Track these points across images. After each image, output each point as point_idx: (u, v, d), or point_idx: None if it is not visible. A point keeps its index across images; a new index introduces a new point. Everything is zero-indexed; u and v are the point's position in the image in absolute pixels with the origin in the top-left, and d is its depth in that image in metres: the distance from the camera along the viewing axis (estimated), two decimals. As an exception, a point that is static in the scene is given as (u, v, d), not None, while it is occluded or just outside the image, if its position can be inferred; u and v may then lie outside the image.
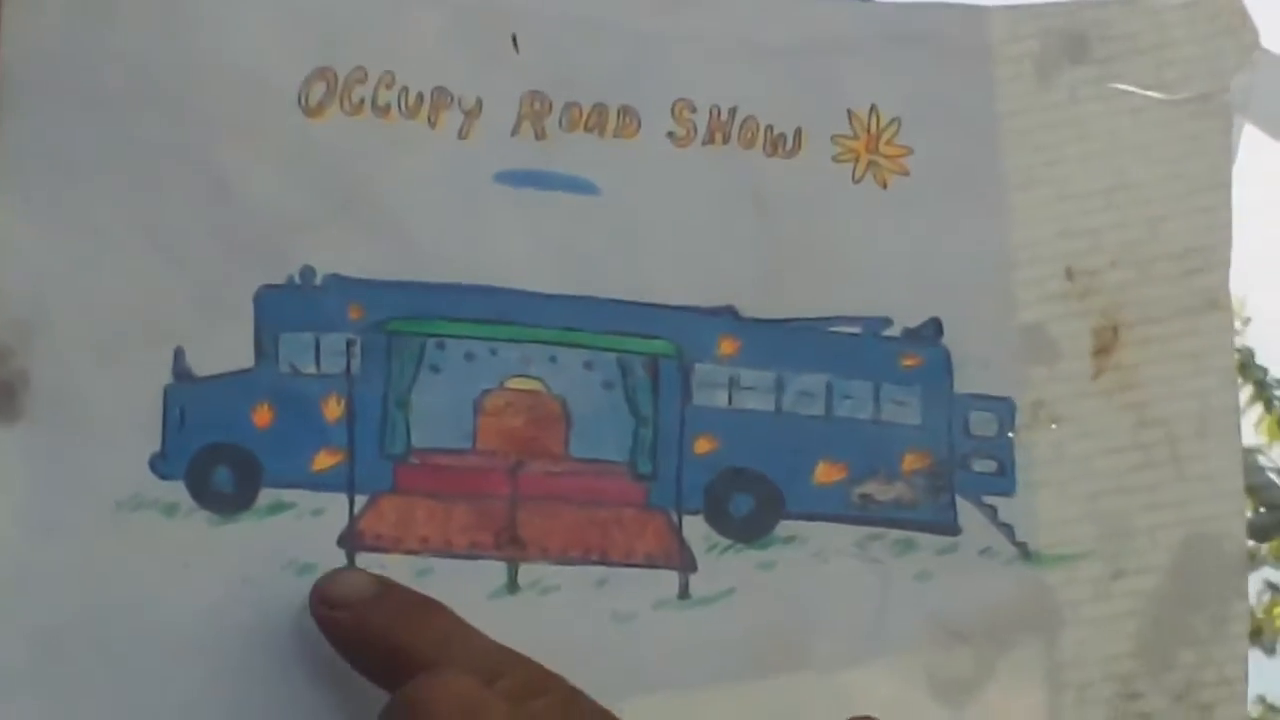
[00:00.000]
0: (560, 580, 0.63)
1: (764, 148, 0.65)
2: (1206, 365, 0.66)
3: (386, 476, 0.62)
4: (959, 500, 0.64)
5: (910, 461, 0.64)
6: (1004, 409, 0.65)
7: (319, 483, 0.62)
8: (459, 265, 0.63)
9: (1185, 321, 0.66)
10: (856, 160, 0.65)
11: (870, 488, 0.64)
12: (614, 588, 0.63)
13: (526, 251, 0.63)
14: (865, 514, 0.64)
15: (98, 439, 0.61)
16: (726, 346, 0.64)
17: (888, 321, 0.65)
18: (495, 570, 0.62)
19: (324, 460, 0.62)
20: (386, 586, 0.60)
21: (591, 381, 0.63)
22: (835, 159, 0.65)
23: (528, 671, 0.58)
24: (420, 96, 0.64)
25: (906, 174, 0.65)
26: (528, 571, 0.62)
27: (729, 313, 0.64)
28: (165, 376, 0.62)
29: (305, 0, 0.63)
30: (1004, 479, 0.65)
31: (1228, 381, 0.66)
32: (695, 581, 0.63)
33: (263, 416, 0.62)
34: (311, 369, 0.62)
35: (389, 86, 0.64)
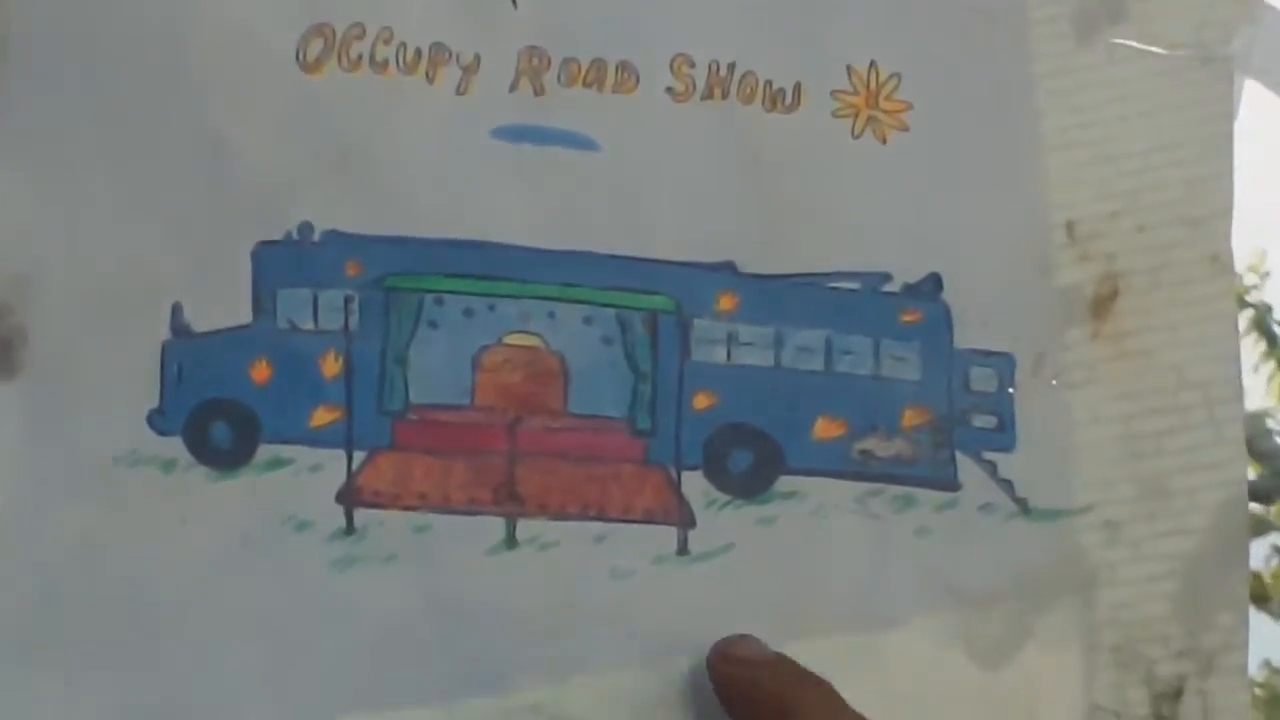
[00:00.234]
0: (559, 536, 0.62)
1: (763, 103, 0.65)
2: (1208, 322, 0.65)
3: (385, 433, 0.62)
4: (959, 456, 0.64)
5: (910, 417, 0.64)
6: (1004, 365, 0.65)
7: (317, 439, 0.62)
8: (457, 221, 0.63)
9: (1186, 278, 0.66)
10: (856, 116, 0.65)
11: (870, 443, 0.64)
12: (613, 544, 0.63)
13: (525, 207, 0.63)
14: (865, 470, 0.64)
15: (95, 395, 0.61)
16: (725, 302, 0.64)
17: (887, 277, 0.65)
18: (494, 526, 0.62)
19: (322, 416, 0.62)
20: (782, 657, 0.62)
21: (590, 337, 0.63)
22: (834, 114, 0.65)
23: None
24: (418, 52, 0.64)
25: (906, 130, 0.65)
26: (526, 527, 0.62)
27: (728, 268, 0.64)
28: (163, 332, 0.62)
29: (303, -44, 0.63)
30: (1004, 435, 0.64)
31: (1230, 338, 0.66)
32: (694, 537, 0.63)
33: (261, 372, 0.62)
34: (309, 325, 0.62)
35: (387, 42, 0.63)
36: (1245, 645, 0.65)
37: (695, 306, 0.64)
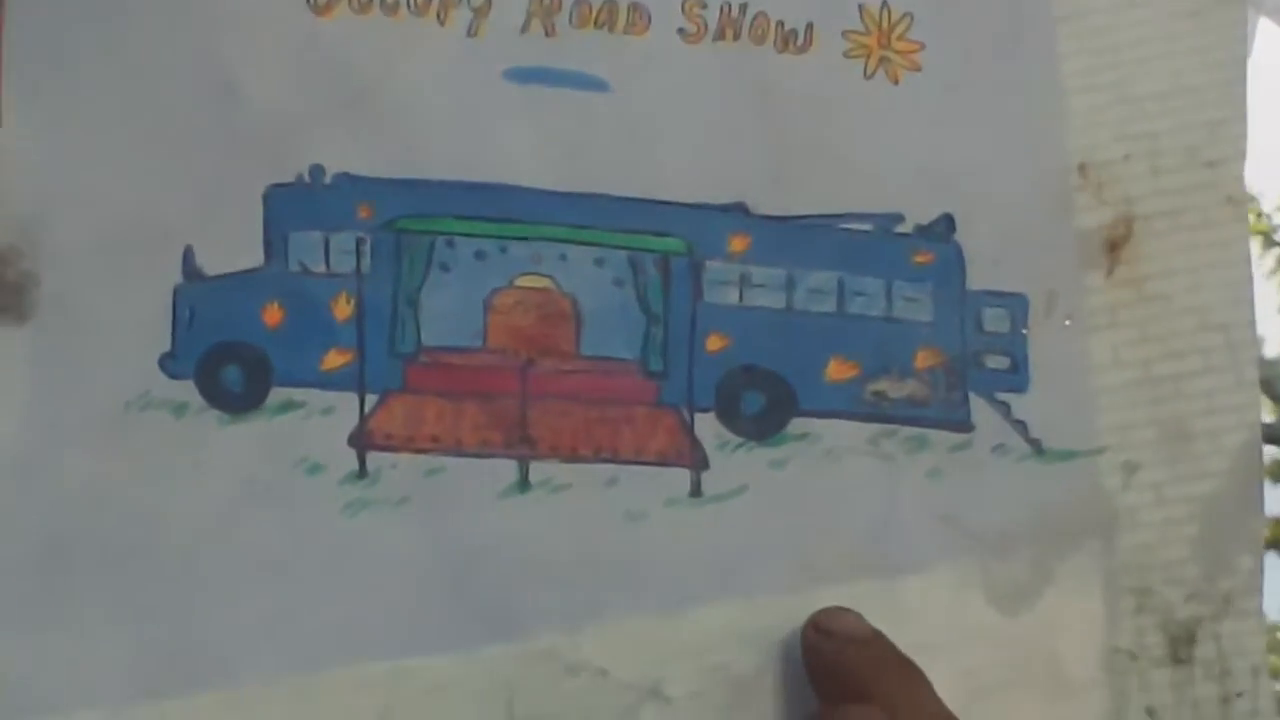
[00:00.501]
0: (571, 478, 0.62)
1: (775, 44, 0.64)
2: (1222, 260, 0.65)
3: (396, 375, 0.62)
4: (972, 397, 0.64)
5: (923, 358, 0.64)
6: (1017, 305, 0.64)
7: (329, 382, 0.62)
8: (469, 163, 0.63)
9: (1202, 220, 0.66)
10: (868, 56, 0.65)
11: (883, 385, 0.64)
12: (625, 486, 0.62)
13: (536, 149, 0.63)
14: (878, 411, 0.64)
15: (107, 339, 0.61)
16: (737, 244, 0.64)
17: (899, 218, 0.64)
18: (506, 469, 0.62)
19: (334, 359, 0.62)
20: (878, 636, 0.61)
21: (602, 279, 0.63)
22: (846, 55, 0.65)
23: None
24: (429, -7, 0.63)
25: (918, 70, 0.65)
26: (538, 470, 0.62)
27: (740, 210, 0.64)
28: (175, 276, 0.62)
29: (313, -103, 0.63)
30: (1017, 375, 0.64)
31: (1245, 281, 0.66)
32: (707, 479, 0.63)
33: (273, 315, 0.62)
34: (321, 268, 0.62)
35: (397, -16, 0.63)
36: (1260, 588, 0.65)
37: (707, 248, 0.63)
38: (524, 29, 0.64)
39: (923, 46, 0.65)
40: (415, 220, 0.63)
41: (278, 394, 0.62)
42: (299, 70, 0.63)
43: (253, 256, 0.62)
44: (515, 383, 0.62)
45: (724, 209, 0.64)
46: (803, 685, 0.62)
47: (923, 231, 0.64)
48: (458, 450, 0.62)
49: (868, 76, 0.65)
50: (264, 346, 0.62)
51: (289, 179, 0.62)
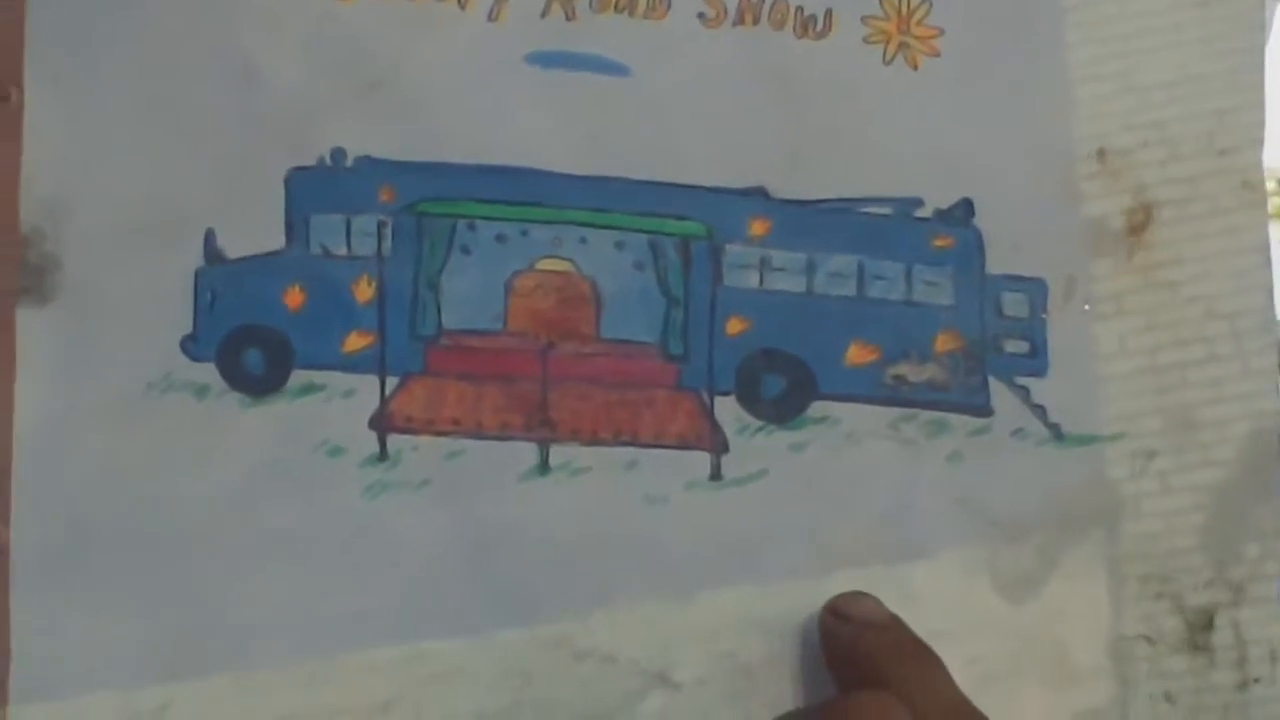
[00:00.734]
0: (591, 461, 0.62)
1: (794, 29, 0.65)
2: (1240, 245, 0.65)
3: (417, 358, 0.62)
4: (991, 381, 0.64)
5: (943, 342, 0.64)
6: (1036, 290, 0.64)
7: (350, 364, 0.62)
8: (490, 147, 0.63)
9: (1218, 207, 0.66)
10: (887, 41, 0.65)
11: (902, 369, 0.64)
12: (645, 469, 0.63)
13: (557, 133, 0.63)
14: (897, 395, 0.64)
15: (129, 321, 0.61)
16: (758, 227, 0.64)
17: (919, 202, 0.64)
18: (526, 451, 0.62)
19: (355, 342, 0.62)
20: (895, 621, 0.61)
21: (622, 262, 0.63)
22: (866, 40, 0.65)
23: None
24: (449, -23, 0.64)
25: (938, 55, 0.65)
26: (559, 453, 0.62)
27: (760, 194, 0.64)
28: (196, 258, 0.62)
29: (333, -119, 0.63)
30: (1036, 360, 0.64)
31: (1261, 269, 0.66)
32: (727, 463, 0.63)
33: (294, 298, 0.62)
34: (342, 250, 0.62)
35: (418, -32, 0.63)
36: (1274, 576, 0.65)
37: (727, 232, 0.64)
38: (544, 13, 0.64)
39: (942, 32, 0.65)
40: (436, 203, 0.63)
41: (299, 376, 0.62)
42: (320, 53, 0.63)
43: (274, 239, 0.62)
44: (536, 366, 0.63)
45: (744, 193, 0.64)
46: (817, 670, 0.62)
47: (942, 216, 0.65)
48: (478, 433, 0.62)
49: (887, 62, 0.65)
50: (285, 329, 0.62)
51: (310, 162, 0.62)
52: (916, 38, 0.65)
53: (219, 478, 0.61)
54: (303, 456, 0.61)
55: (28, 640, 0.60)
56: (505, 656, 0.61)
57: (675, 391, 0.63)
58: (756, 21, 0.64)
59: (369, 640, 0.61)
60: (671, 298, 0.63)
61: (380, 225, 0.62)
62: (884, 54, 0.65)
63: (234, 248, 0.62)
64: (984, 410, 0.64)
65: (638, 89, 0.64)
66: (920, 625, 0.61)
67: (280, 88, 0.62)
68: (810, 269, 0.64)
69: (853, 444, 0.63)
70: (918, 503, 0.63)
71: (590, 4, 0.64)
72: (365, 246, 0.62)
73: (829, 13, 0.65)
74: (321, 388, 0.62)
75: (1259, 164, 0.66)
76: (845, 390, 0.64)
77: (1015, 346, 0.64)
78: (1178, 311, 0.65)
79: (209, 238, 0.62)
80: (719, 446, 0.63)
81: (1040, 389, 0.64)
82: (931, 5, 0.65)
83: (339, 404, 0.62)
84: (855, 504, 0.63)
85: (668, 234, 0.63)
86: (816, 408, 0.64)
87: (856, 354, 0.64)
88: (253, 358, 0.62)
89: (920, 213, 0.64)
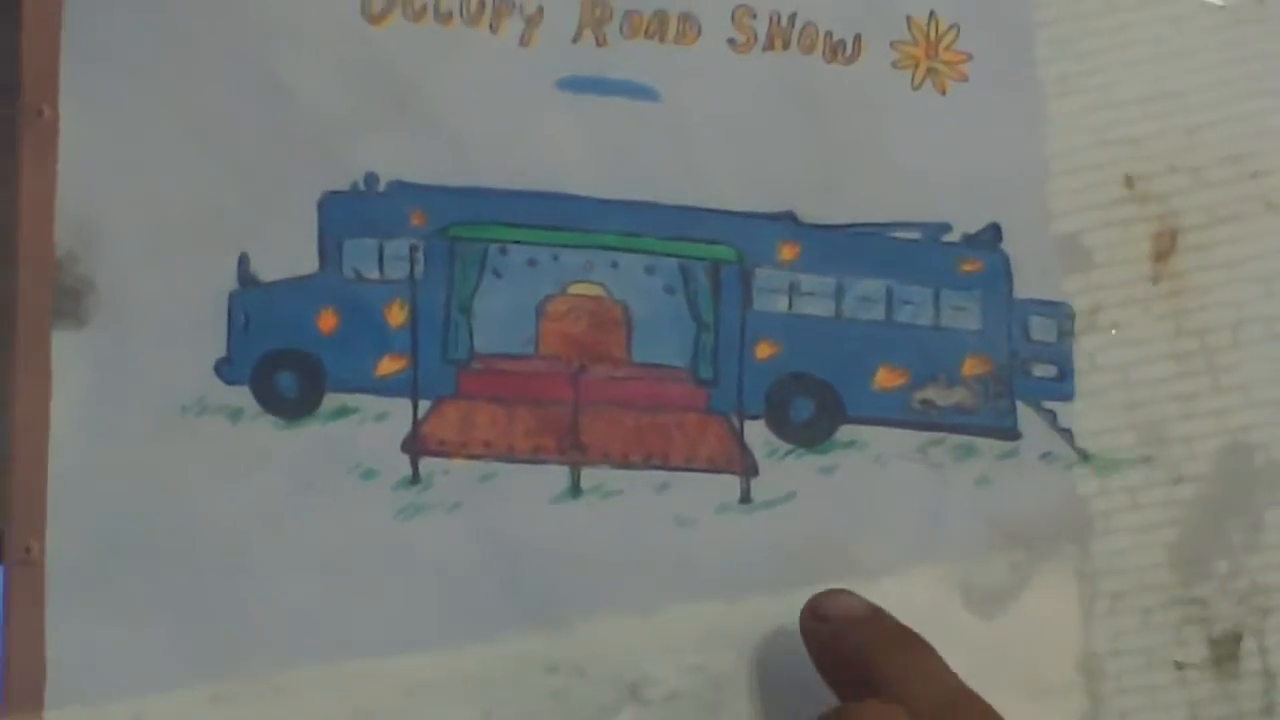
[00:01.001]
0: (623, 484, 0.63)
1: (823, 54, 0.65)
2: (1264, 268, 0.66)
3: (450, 381, 0.63)
4: (1019, 405, 0.65)
5: (970, 366, 0.65)
6: (1063, 314, 0.65)
7: (383, 388, 0.62)
8: (521, 171, 0.63)
9: (1243, 227, 0.66)
10: (915, 67, 0.65)
11: (931, 393, 0.64)
12: (676, 492, 0.63)
13: (588, 157, 0.64)
14: (926, 419, 0.64)
15: (163, 344, 0.62)
16: (787, 252, 0.64)
17: (947, 227, 0.65)
18: (558, 474, 0.63)
19: (388, 365, 0.62)
20: (876, 612, 0.60)
21: (653, 286, 0.63)
22: (894, 65, 0.65)
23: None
24: (482, 3, 0.64)
25: (965, 80, 0.65)
26: (590, 476, 0.63)
27: (789, 218, 0.64)
28: (230, 282, 0.62)
29: (367, -93, 0.64)
30: (1063, 384, 0.65)
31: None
32: (756, 486, 0.63)
33: (327, 322, 0.62)
34: (375, 275, 0.63)
35: (451, -7, 0.64)
36: (1252, 592, 0.65)
37: (757, 256, 0.64)
38: (576, 38, 0.64)
39: (970, 57, 0.66)
40: (468, 227, 0.63)
41: (332, 400, 0.62)
42: (353, 77, 0.63)
43: (307, 263, 0.63)
44: (567, 389, 0.63)
45: (773, 218, 0.64)
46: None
47: (970, 240, 0.65)
48: (510, 456, 0.62)
49: (915, 87, 0.65)
50: (318, 352, 0.62)
51: (343, 186, 0.63)
52: (945, 63, 0.65)
53: (253, 499, 0.61)
54: (336, 479, 0.62)
55: (71, 647, 0.60)
56: (537, 670, 0.62)
57: (705, 415, 0.63)
58: (786, 47, 0.65)
59: (403, 657, 0.61)
60: (702, 322, 0.63)
61: (413, 249, 0.63)
62: (912, 79, 0.65)
63: (267, 271, 0.62)
64: (1012, 434, 0.64)
65: (668, 114, 0.64)
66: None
67: (314, 110, 0.63)
68: (839, 293, 0.64)
69: (881, 467, 0.64)
70: (947, 526, 0.63)
71: (621, 29, 0.64)
72: (398, 270, 0.63)
73: (858, 38, 0.65)
74: (354, 411, 0.62)
75: (1283, 188, 0.66)
76: (874, 414, 0.64)
77: (1042, 370, 0.65)
78: (1206, 332, 0.65)
79: (243, 261, 0.62)
80: (749, 470, 0.63)
81: (1067, 412, 0.65)
82: (960, 30, 0.65)
83: (372, 427, 0.62)
84: (884, 528, 0.63)
85: (698, 258, 0.64)
86: (845, 431, 0.64)
87: (885, 378, 0.64)
88: (286, 381, 0.62)
89: (948, 237, 0.65)
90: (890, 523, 0.64)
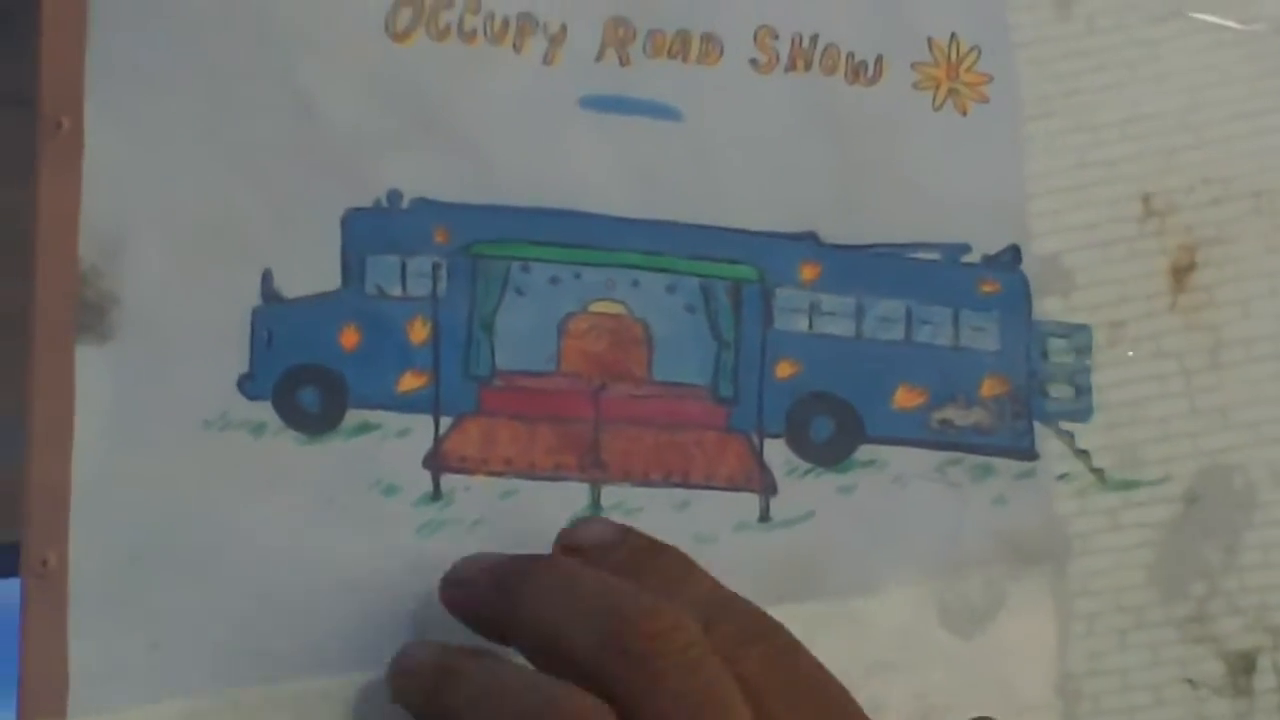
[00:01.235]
0: (643, 502, 0.63)
1: (845, 75, 0.65)
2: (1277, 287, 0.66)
3: (471, 398, 0.63)
4: (1037, 426, 0.65)
5: (989, 387, 0.65)
6: (1081, 335, 0.65)
7: (404, 404, 0.63)
8: (544, 189, 0.64)
9: (1261, 250, 0.66)
10: (937, 88, 0.66)
11: (949, 413, 0.65)
12: (695, 510, 0.63)
13: (610, 176, 0.64)
14: (944, 438, 0.64)
15: (187, 358, 0.62)
16: (808, 272, 0.64)
17: (966, 248, 0.65)
18: (579, 492, 0.63)
19: (409, 382, 0.63)
20: (625, 532, 0.60)
21: (674, 305, 0.64)
22: (915, 86, 0.66)
23: (746, 618, 0.57)
24: (505, 22, 0.64)
25: (986, 101, 0.66)
26: (610, 493, 0.63)
27: (811, 238, 0.65)
28: (253, 297, 0.62)
29: (391, -75, 0.64)
30: (1081, 405, 0.65)
31: None
32: (775, 505, 0.64)
33: (349, 338, 0.63)
34: (398, 292, 0.63)
35: (475, 12, 0.64)
36: (1229, 613, 0.65)
37: (778, 276, 0.64)
38: (599, 57, 0.65)
39: (990, 78, 0.66)
40: (491, 245, 0.63)
41: (354, 415, 0.63)
42: (377, 95, 0.63)
43: (330, 279, 0.63)
44: (588, 407, 0.63)
45: (795, 238, 0.65)
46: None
47: (990, 261, 0.65)
48: (531, 473, 0.63)
49: (936, 108, 0.66)
50: (341, 369, 0.63)
51: (366, 202, 0.63)
52: (966, 84, 0.66)
53: (274, 514, 0.62)
54: (357, 495, 0.62)
55: (93, 656, 0.61)
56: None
57: (725, 433, 0.64)
58: (808, 67, 0.65)
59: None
60: (722, 340, 0.64)
61: (435, 267, 0.63)
62: (933, 100, 0.66)
63: (291, 287, 0.62)
64: (1029, 454, 0.65)
65: (690, 133, 0.64)
66: (867, 657, 0.62)
67: (337, 127, 0.63)
68: (859, 313, 0.64)
69: (900, 486, 0.64)
70: (965, 546, 0.64)
71: (644, 49, 0.64)
72: (420, 287, 0.63)
73: (879, 59, 0.65)
74: (376, 427, 0.62)
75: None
76: (893, 433, 0.64)
77: (1060, 391, 0.65)
78: (1221, 353, 0.66)
79: (266, 277, 0.62)
80: (768, 488, 0.64)
81: (1085, 434, 0.65)
82: (981, 52, 0.66)
83: (393, 443, 0.63)
84: (903, 547, 0.64)
85: (719, 277, 0.64)
86: (864, 450, 0.64)
87: (904, 397, 0.64)
88: (308, 396, 0.62)
89: (968, 258, 0.65)
90: (908, 542, 0.64)
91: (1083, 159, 0.66)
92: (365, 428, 0.62)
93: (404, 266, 0.63)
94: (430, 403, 0.63)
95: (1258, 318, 0.66)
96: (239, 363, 0.62)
